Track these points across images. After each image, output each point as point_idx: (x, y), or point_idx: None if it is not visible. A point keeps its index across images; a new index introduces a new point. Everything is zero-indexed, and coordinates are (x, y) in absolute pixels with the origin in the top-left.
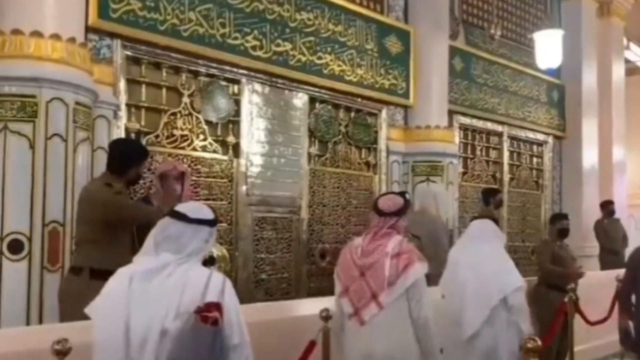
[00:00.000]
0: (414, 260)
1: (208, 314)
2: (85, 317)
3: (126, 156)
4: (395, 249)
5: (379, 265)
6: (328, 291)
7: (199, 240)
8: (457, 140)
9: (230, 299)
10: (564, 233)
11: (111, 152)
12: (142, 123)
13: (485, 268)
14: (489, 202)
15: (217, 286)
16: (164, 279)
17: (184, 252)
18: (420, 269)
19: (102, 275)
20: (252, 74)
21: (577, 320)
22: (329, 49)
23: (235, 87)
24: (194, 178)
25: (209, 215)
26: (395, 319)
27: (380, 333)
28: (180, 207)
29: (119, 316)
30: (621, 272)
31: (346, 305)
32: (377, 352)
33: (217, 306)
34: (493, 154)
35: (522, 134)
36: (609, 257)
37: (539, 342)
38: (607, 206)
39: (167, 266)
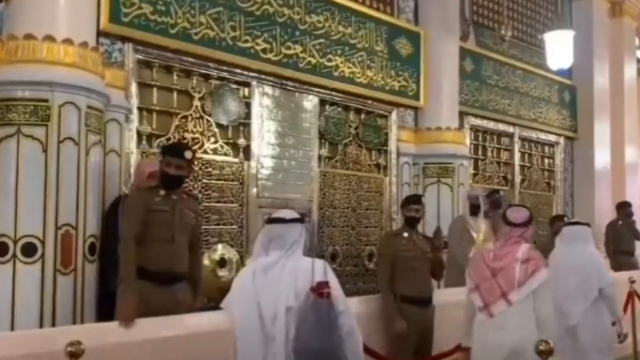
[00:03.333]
0: (540, 266)
1: (322, 291)
2: None
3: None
4: (524, 255)
5: (510, 268)
6: None
7: (295, 234)
8: (467, 141)
9: (331, 277)
10: None
11: None
12: (154, 126)
13: (586, 267)
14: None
15: (320, 269)
16: (281, 269)
17: (287, 245)
18: (545, 273)
19: (141, 274)
20: (263, 76)
21: None
22: (339, 52)
23: (246, 90)
24: (205, 181)
25: (297, 215)
26: (521, 315)
27: (508, 326)
28: (276, 214)
29: (251, 302)
30: (634, 273)
31: (477, 299)
32: (504, 342)
33: (326, 283)
34: (504, 155)
35: (533, 135)
36: (623, 258)
37: (552, 344)
38: (625, 208)
39: (280, 259)
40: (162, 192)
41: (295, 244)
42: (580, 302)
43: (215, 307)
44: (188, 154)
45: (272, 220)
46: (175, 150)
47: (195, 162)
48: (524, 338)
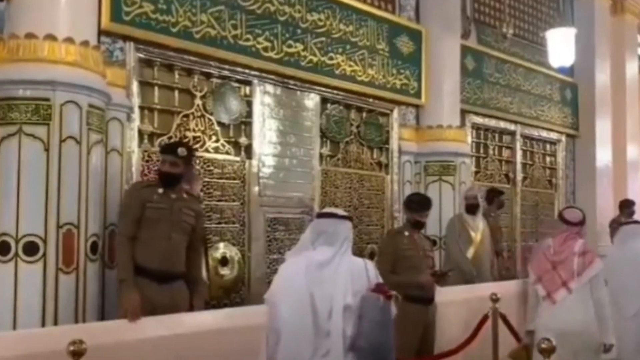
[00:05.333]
0: (595, 257)
1: (390, 294)
2: None
3: None
4: (580, 249)
5: (569, 261)
6: None
7: (347, 231)
8: (469, 139)
9: (380, 279)
10: None
11: None
12: (155, 125)
13: None
14: (492, 201)
15: (372, 270)
16: (336, 266)
17: (338, 242)
18: (599, 264)
19: (137, 271)
20: (264, 75)
21: None
22: (340, 50)
23: (247, 89)
24: (206, 179)
25: (346, 213)
26: (580, 300)
27: (569, 310)
28: (328, 210)
29: (303, 295)
30: None
31: (540, 289)
32: (567, 324)
33: (384, 285)
34: (506, 153)
35: (535, 132)
36: None
37: (554, 342)
38: (628, 206)
39: (335, 256)
40: (160, 190)
41: (346, 240)
42: (637, 295)
43: (216, 306)
44: (182, 151)
45: (323, 215)
46: (169, 148)
47: (194, 160)
48: (583, 320)
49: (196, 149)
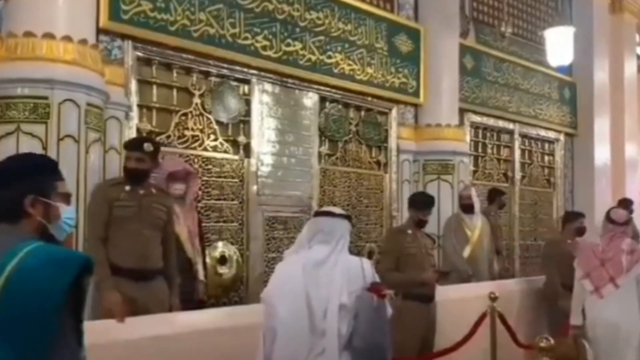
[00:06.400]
0: None
1: (384, 293)
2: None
3: None
4: (628, 247)
5: (617, 258)
6: None
7: (343, 229)
8: (468, 138)
9: (377, 278)
10: (582, 231)
11: None
12: (154, 124)
13: None
14: (493, 200)
15: (369, 269)
16: (332, 266)
17: (334, 240)
18: None
19: (114, 271)
20: (263, 74)
21: None
22: (339, 48)
23: (246, 87)
24: (205, 178)
25: (344, 212)
26: (626, 295)
27: (616, 304)
28: (325, 208)
29: (300, 294)
30: None
31: (587, 284)
32: (614, 318)
33: (380, 285)
34: (504, 152)
35: (533, 131)
36: None
37: (552, 341)
38: (627, 206)
39: (330, 255)
40: (127, 187)
41: (342, 239)
42: None
43: (214, 305)
44: (148, 147)
45: (320, 214)
46: (134, 144)
47: (159, 155)
48: (629, 314)
49: (161, 144)
